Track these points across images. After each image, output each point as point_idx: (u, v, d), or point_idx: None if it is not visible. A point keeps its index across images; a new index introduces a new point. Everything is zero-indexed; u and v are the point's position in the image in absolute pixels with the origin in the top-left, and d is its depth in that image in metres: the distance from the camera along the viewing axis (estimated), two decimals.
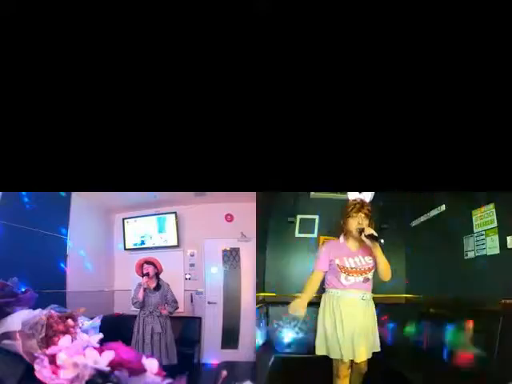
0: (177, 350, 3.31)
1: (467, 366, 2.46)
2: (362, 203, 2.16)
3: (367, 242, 2.07)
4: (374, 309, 2.22)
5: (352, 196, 2.20)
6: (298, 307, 2.11)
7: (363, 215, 2.13)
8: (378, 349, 2.19)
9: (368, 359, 2.20)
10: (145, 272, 3.20)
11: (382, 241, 2.08)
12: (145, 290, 3.18)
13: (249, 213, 3.28)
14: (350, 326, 2.08)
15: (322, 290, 2.28)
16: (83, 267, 3.77)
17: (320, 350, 2.18)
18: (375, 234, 2.05)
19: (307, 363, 2.45)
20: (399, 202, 3.71)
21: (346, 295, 2.13)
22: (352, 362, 2.15)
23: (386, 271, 2.10)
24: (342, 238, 2.23)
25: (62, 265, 3.46)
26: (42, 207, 3.11)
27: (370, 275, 2.15)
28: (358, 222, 2.12)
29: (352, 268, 2.12)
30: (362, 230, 2.08)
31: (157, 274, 3.26)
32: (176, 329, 3.75)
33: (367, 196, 2.20)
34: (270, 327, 3.52)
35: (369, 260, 2.15)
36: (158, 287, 3.24)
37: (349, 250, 2.18)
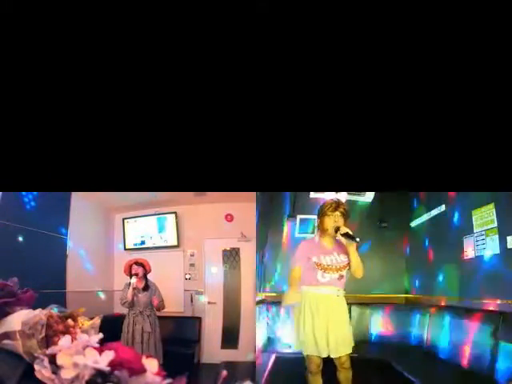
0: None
1: (467, 365, 2.46)
2: (337, 203, 2.21)
3: (343, 240, 2.13)
4: (346, 305, 2.26)
5: (328, 196, 2.26)
6: (293, 297, 2.20)
7: (339, 214, 2.18)
8: (352, 344, 2.22)
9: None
10: (134, 273, 3.21)
11: (358, 239, 2.11)
12: (134, 290, 3.19)
13: (249, 213, 3.28)
14: (325, 322, 2.15)
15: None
16: (83, 267, 3.77)
17: (296, 346, 2.24)
18: (350, 232, 2.11)
19: None
20: (399, 202, 3.72)
21: (321, 292, 2.19)
22: (329, 359, 2.19)
23: (358, 269, 2.18)
24: (316, 237, 2.28)
25: (62, 265, 3.46)
26: (42, 207, 3.11)
27: (344, 272, 2.21)
28: (333, 220, 2.17)
29: (328, 265, 2.18)
30: (337, 229, 2.13)
31: (145, 275, 3.28)
32: (176, 329, 3.76)
33: (343, 196, 2.26)
34: (270, 327, 3.52)
35: (344, 258, 2.20)
36: (146, 287, 3.26)
37: (324, 248, 2.23)
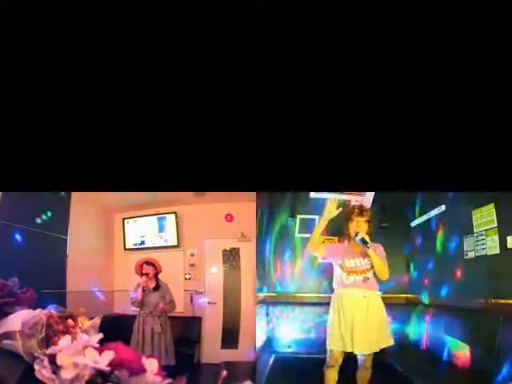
0: (175, 350, 3.30)
1: (467, 365, 2.46)
2: (361, 208, 2.32)
3: (360, 245, 2.24)
4: (381, 306, 2.33)
5: (353, 200, 2.34)
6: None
7: (362, 220, 2.28)
8: (389, 343, 2.32)
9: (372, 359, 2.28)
10: (144, 272, 3.20)
11: (369, 245, 2.21)
12: (144, 289, 3.18)
13: (249, 213, 3.28)
14: (350, 321, 2.24)
15: (331, 290, 2.45)
16: (83, 267, 3.77)
17: (327, 343, 2.35)
18: (366, 238, 2.21)
19: (307, 363, 2.46)
20: (399, 202, 3.71)
21: (347, 293, 2.30)
22: (351, 355, 2.29)
23: (380, 272, 2.27)
24: (346, 241, 2.40)
25: (62, 265, 3.46)
26: (42, 207, 3.10)
27: (369, 275, 2.29)
28: (356, 225, 2.28)
29: (351, 268, 2.30)
30: (357, 234, 2.25)
31: (156, 275, 3.26)
32: (176, 329, 3.75)
33: (367, 201, 2.34)
34: (270, 327, 3.52)
35: (368, 261, 2.30)
36: (157, 287, 3.25)
37: (350, 252, 2.33)
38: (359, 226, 2.26)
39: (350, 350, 2.24)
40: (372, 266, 2.28)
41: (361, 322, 2.24)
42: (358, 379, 2.35)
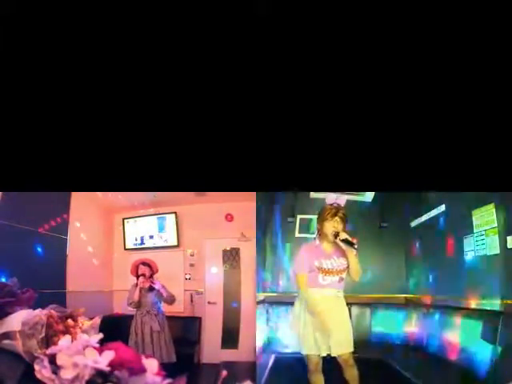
0: (175, 350, 3.31)
1: (467, 365, 2.46)
2: (337, 208, 2.26)
3: (342, 245, 2.19)
4: (345, 305, 2.33)
5: (329, 200, 2.30)
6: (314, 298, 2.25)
7: (338, 219, 2.23)
8: (352, 343, 2.27)
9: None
10: (141, 273, 3.20)
11: (356, 247, 2.18)
12: (140, 290, 3.19)
13: (249, 213, 3.28)
14: (325, 322, 2.20)
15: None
16: (83, 267, 3.77)
17: (299, 347, 2.30)
18: (349, 238, 2.18)
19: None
20: (399, 202, 3.71)
21: (322, 293, 2.26)
22: (332, 358, 2.24)
23: (356, 273, 2.25)
24: (317, 240, 2.34)
25: (62, 265, 3.46)
26: (42, 207, 3.10)
27: (344, 275, 2.29)
28: (333, 225, 2.22)
29: (329, 269, 2.26)
30: (337, 234, 2.19)
31: (151, 275, 3.27)
32: (176, 329, 3.76)
33: (342, 200, 2.30)
34: (270, 327, 3.52)
35: (343, 261, 2.27)
36: (151, 287, 3.25)
37: (325, 252, 2.29)
38: (335, 226, 2.21)
39: (326, 353, 2.20)
40: (347, 266, 2.25)
41: (336, 323, 2.20)
42: (347, 378, 2.27)
